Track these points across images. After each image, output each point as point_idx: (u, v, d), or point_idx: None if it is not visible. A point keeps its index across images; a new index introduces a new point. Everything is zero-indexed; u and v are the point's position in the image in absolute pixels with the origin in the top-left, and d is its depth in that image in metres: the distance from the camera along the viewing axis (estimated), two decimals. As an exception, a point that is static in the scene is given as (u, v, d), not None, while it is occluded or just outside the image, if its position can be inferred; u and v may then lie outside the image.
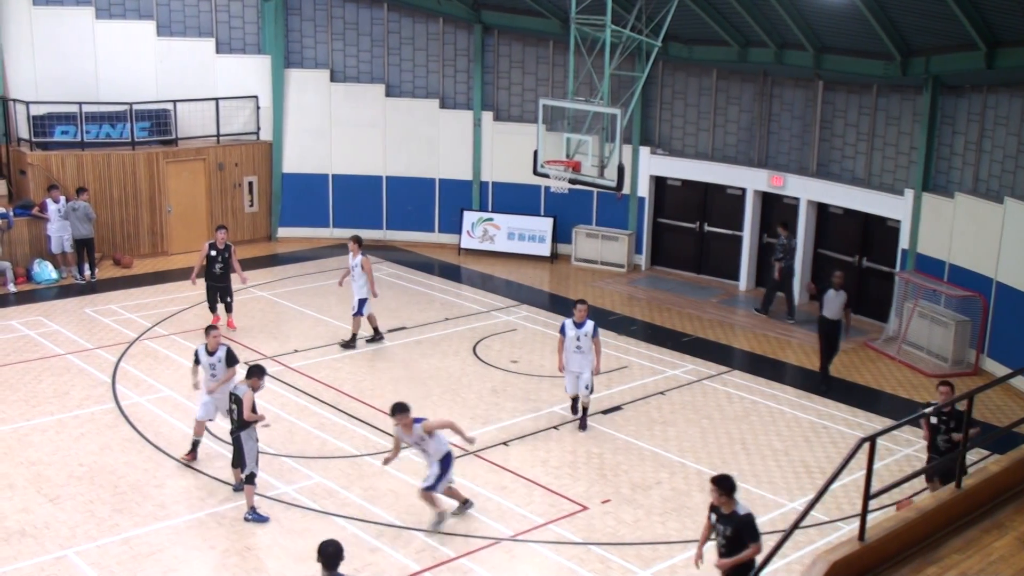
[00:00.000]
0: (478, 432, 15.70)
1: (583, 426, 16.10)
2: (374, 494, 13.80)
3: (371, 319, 19.72)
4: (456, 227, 27.10)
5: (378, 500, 13.63)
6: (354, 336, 19.55)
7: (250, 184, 27.03)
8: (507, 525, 13.08)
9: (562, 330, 15.94)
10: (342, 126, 27.35)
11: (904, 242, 20.94)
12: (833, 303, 17.84)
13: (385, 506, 13.48)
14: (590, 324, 15.83)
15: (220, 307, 20.34)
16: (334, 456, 14.94)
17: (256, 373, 13.42)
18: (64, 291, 22.76)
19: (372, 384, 17.72)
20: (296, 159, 27.47)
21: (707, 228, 25.11)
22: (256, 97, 27.01)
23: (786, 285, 22.29)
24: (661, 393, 17.70)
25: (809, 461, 15.15)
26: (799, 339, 20.85)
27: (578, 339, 15.76)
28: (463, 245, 26.88)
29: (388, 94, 27.40)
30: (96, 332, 19.92)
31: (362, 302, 19.36)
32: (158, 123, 25.74)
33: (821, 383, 18.15)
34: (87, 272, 23.46)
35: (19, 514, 13.09)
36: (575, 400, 16.26)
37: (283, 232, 27.64)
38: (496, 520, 13.19)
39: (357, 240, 19.74)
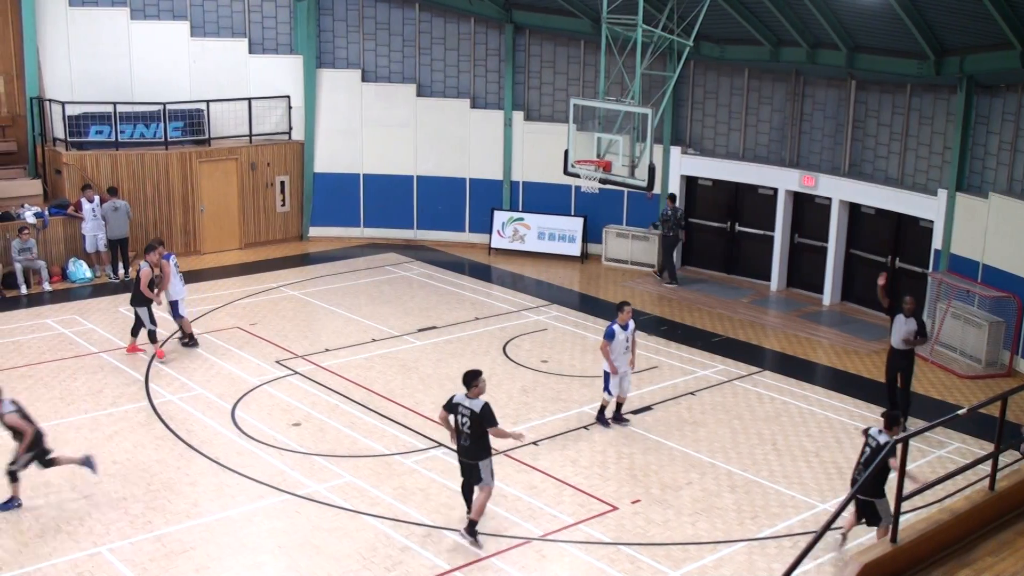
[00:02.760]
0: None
1: (623, 420, 16.22)
2: (404, 493, 13.84)
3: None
4: (486, 227, 27.14)
5: (408, 499, 13.67)
6: (191, 335, 19.30)
7: (282, 183, 27.18)
8: (537, 525, 13.09)
9: (611, 335, 15.77)
10: (373, 126, 27.45)
11: (937, 242, 20.77)
12: (900, 330, 16.27)
13: (415, 505, 13.52)
14: (631, 324, 16.02)
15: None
16: (365, 455, 15.00)
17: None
18: (98, 290, 22.98)
19: (402, 384, 17.78)
20: (327, 159, 27.59)
21: (738, 228, 25.01)
22: (288, 97, 27.16)
23: (671, 252, 24.30)
24: (691, 393, 17.66)
25: (841, 462, 15.07)
26: (830, 339, 20.74)
27: (627, 340, 15.90)
28: (493, 245, 26.91)
29: (419, 94, 27.48)
30: (127, 331, 20.05)
31: (174, 303, 19.09)
32: (191, 123, 25.93)
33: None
34: (121, 271, 23.68)
35: (54, 511, 13.22)
36: (620, 404, 16.31)
37: (314, 231, 27.78)
38: (526, 520, 13.20)
39: (154, 244, 19.14)
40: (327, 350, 19.32)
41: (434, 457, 14.95)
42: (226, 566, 12.10)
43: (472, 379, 12.46)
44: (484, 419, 12.28)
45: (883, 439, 11.92)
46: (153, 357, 18.60)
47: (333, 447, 15.26)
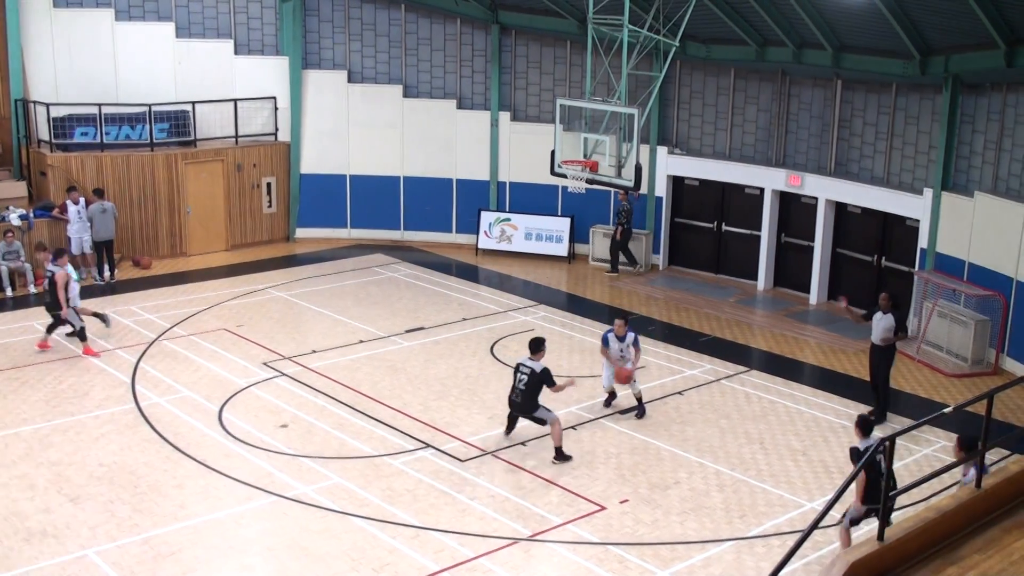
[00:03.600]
0: (496, 433, 15.77)
1: (642, 413, 16.63)
2: (392, 494, 13.82)
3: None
4: (473, 227, 27.13)
5: (396, 500, 13.65)
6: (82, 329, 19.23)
7: (268, 185, 27.12)
8: (525, 525, 13.09)
9: (606, 343, 16.52)
10: (360, 127, 27.42)
11: (923, 241, 20.85)
12: (878, 327, 16.35)
13: (403, 506, 13.50)
14: (631, 335, 16.49)
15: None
16: (352, 456, 14.97)
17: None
18: (84, 292, 22.72)
19: (390, 385, 17.75)
20: (314, 160, 27.55)
21: (725, 228, 25.06)
22: (274, 98, 27.11)
23: (625, 244, 25.17)
24: (679, 393, 17.68)
25: (828, 461, 15.11)
26: (817, 338, 20.80)
27: (622, 350, 16.43)
28: (480, 245, 26.90)
29: (405, 95, 27.45)
30: (115, 333, 20.02)
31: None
32: (177, 124, 25.85)
33: (873, 413, 16.08)
34: (107, 273, 23.61)
35: (40, 514, 13.16)
36: (611, 395, 16.91)
37: (301, 233, 27.73)
38: (514, 520, 13.20)
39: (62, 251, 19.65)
40: (314, 351, 19.29)
41: (422, 458, 14.93)
42: (214, 568, 12.07)
43: (538, 346, 15.07)
44: (544, 379, 14.80)
45: (862, 445, 11.79)
46: (139, 360, 18.54)
47: (321, 448, 15.23)
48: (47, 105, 24.75)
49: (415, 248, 27.13)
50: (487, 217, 26.92)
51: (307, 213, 27.71)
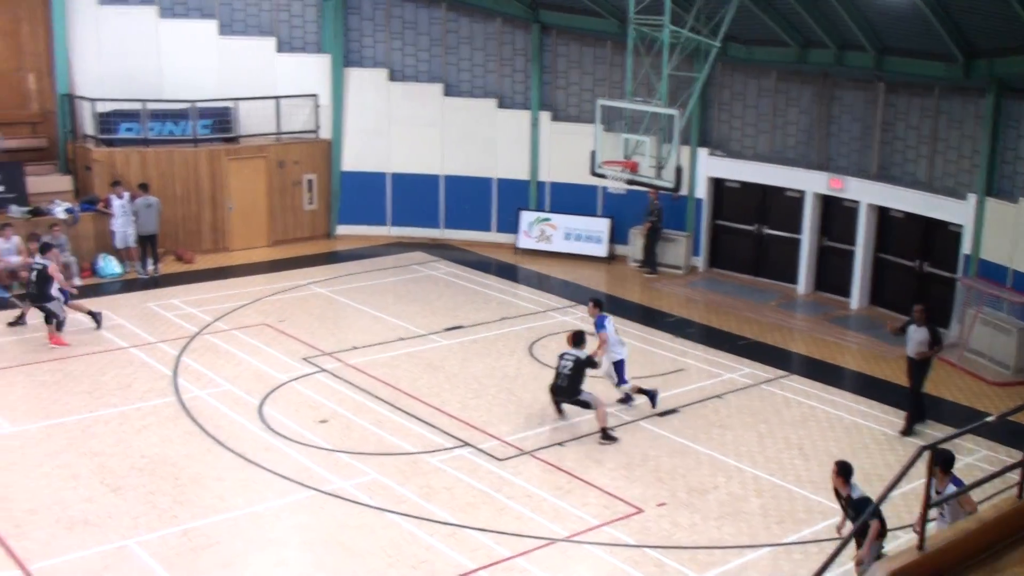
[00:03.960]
0: (533, 432, 15.80)
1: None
2: (430, 492, 13.88)
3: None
4: (513, 226, 27.16)
5: (433, 498, 13.72)
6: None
7: (309, 182, 27.29)
8: (562, 526, 13.11)
9: (602, 325, 16.81)
10: (400, 125, 27.52)
11: (966, 247, 20.64)
12: (913, 340, 16.14)
13: (441, 504, 13.55)
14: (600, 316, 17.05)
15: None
16: (391, 453, 15.05)
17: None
18: (128, 285, 23.16)
19: (428, 382, 17.82)
20: (355, 157, 27.68)
21: (765, 231, 24.94)
22: (316, 96, 27.27)
23: (653, 244, 25.25)
24: (718, 396, 17.63)
25: (868, 468, 15.00)
26: (858, 344, 20.67)
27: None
28: (520, 245, 26.94)
29: (446, 93, 27.52)
30: (158, 326, 20.24)
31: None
32: (220, 121, 26.08)
33: (909, 421, 16.38)
34: (150, 267, 23.86)
35: (83, 503, 13.33)
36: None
37: (341, 230, 27.88)
38: (551, 520, 13.22)
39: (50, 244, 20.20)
40: (354, 348, 19.39)
41: (460, 457, 14.99)
42: (252, 561, 12.18)
43: (581, 339, 16.06)
44: (588, 363, 15.76)
45: (855, 493, 11.16)
46: (181, 354, 18.74)
47: (359, 444, 15.32)
48: (92, 101, 25.04)
49: (454, 247, 27.20)
50: (527, 217, 26.95)
51: (347, 210, 27.86)
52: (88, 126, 25.39)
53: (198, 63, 26.51)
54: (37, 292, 19.16)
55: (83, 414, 16.09)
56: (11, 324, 19.92)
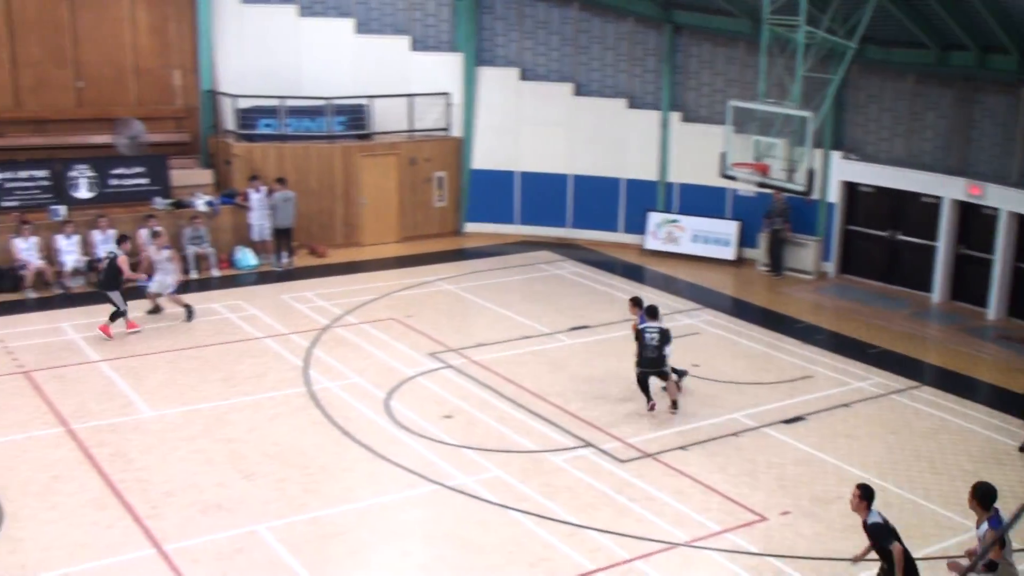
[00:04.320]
0: (656, 435, 15.77)
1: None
2: (551, 491, 13.97)
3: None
4: (640, 227, 27.09)
5: (555, 497, 13.80)
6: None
7: (439, 179, 27.67)
8: (683, 530, 13.06)
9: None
10: (530, 124, 27.68)
11: (1114, 258, 19.84)
12: None
13: (562, 503, 13.63)
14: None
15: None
16: (513, 450, 15.18)
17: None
18: (262, 277, 23.85)
19: (552, 381, 17.91)
20: (484, 155, 27.96)
21: (899, 237, 24.35)
22: (448, 94, 27.62)
23: (777, 246, 25.17)
24: (846, 405, 17.30)
25: (1002, 485, 14.52)
26: (994, 356, 20.04)
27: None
28: (647, 246, 26.84)
29: (576, 93, 27.59)
30: (291, 318, 20.79)
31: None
32: (354, 118, 26.64)
33: None
34: (284, 260, 24.51)
35: (216, 488, 13.80)
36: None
37: (470, 227, 28.19)
38: (672, 525, 13.18)
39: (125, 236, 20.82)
40: (479, 344, 19.61)
41: (582, 457, 15.04)
42: (377, 551, 12.44)
43: (656, 312, 16.97)
44: (670, 334, 16.74)
45: (879, 518, 10.69)
46: (312, 346, 19.21)
47: (482, 440, 15.50)
48: (234, 97, 25.84)
49: (581, 246, 27.24)
50: (654, 218, 26.84)
51: (476, 208, 28.15)
52: (229, 121, 26.20)
53: (335, 61, 27.14)
54: (104, 280, 19.73)
55: (218, 401, 16.64)
56: (149, 312, 20.67)
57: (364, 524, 13.02)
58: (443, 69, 27.73)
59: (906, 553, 10.45)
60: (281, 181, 24.62)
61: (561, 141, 27.59)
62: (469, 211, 28.18)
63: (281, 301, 21.89)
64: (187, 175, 25.44)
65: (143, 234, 22.65)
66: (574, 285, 23.78)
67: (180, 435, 15.37)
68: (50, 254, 22.40)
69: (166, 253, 20.49)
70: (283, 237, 24.54)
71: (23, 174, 23.30)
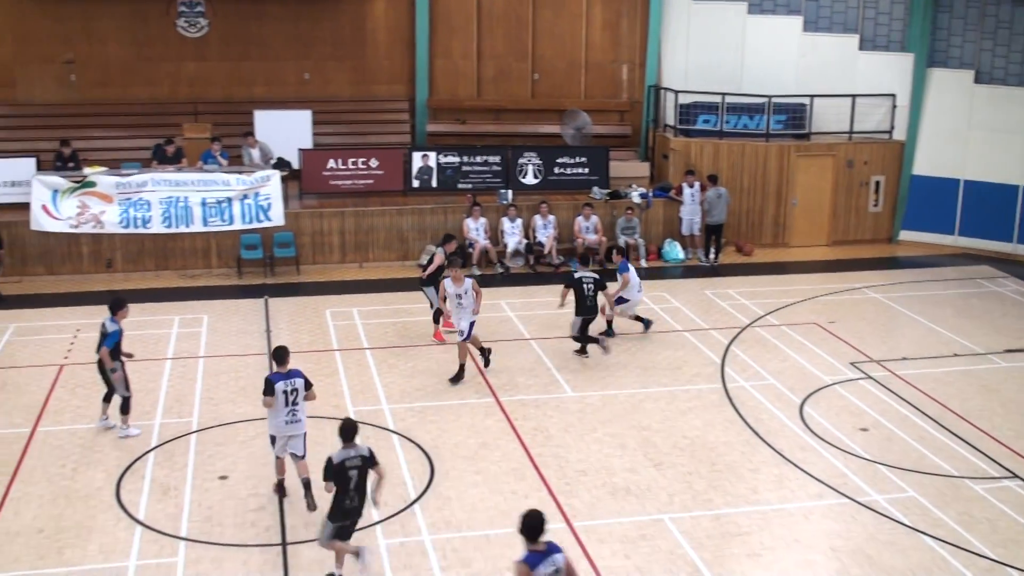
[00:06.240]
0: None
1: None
2: (969, 520, 13.25)
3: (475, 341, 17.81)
4: (1099, 248, 24.80)
5: (973, 527, 13.08)
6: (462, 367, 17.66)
7: (876, 183, 26.78)
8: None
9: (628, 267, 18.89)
10: (981, 130, 26.07)
11: None
12: None
13: (980, 535, 12.90)
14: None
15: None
16: (931, 472, 14.55)
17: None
18: (688, 271, 24.31)
19: (980, 405, 16.91)
20: (927, 161, 26.70)
21: None
22: (893, 96, 26.64)
23: None
24: None
25: None
26: None
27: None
28: (1105, 268, 24.55)
29: (1038, 100, 25.68)
30: (712, 314, 21.07)
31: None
32: (794, 117, 26.39)
33: None
34: (711, 256, 24.81)
35: (626, 473, 14.35)
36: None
37: (905, 235, 27.06)
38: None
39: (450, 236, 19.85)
40: (904, 358, 18.89)
41: (1007, 488, 14.14)
42: (777, 557, 12.42)
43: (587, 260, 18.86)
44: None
45: None
46: (730, 343, 19.38)
47: (899, 459, 14.98)
48: (676, 92, 26.45)
49: (1027, 263, 25.41)
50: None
51: (913, 216, 26.96)
52: (669, 116, 26.86)
53: (778, 59, 27.03)
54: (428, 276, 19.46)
55: (636, 389, 17.24)
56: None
57: (767, 528, 13.04)
58: (890, 70, 26.78)
59: None
60: (712, 178, 24.91)
61: (1016, 150, 25.73)
62: (906, 218, 27.04)
63: (704, 296, 22.22)
64: (625, 167, 26.42)
65: (579, 221, 23.89)
66: (1016, 305, 22.21)
67: (597, 417, 16.11)
68: (495, 235, 24.12)
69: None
70: (713, 233, 24.84)
71: (479, 159, 25.24)
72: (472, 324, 17.25)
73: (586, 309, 18.21)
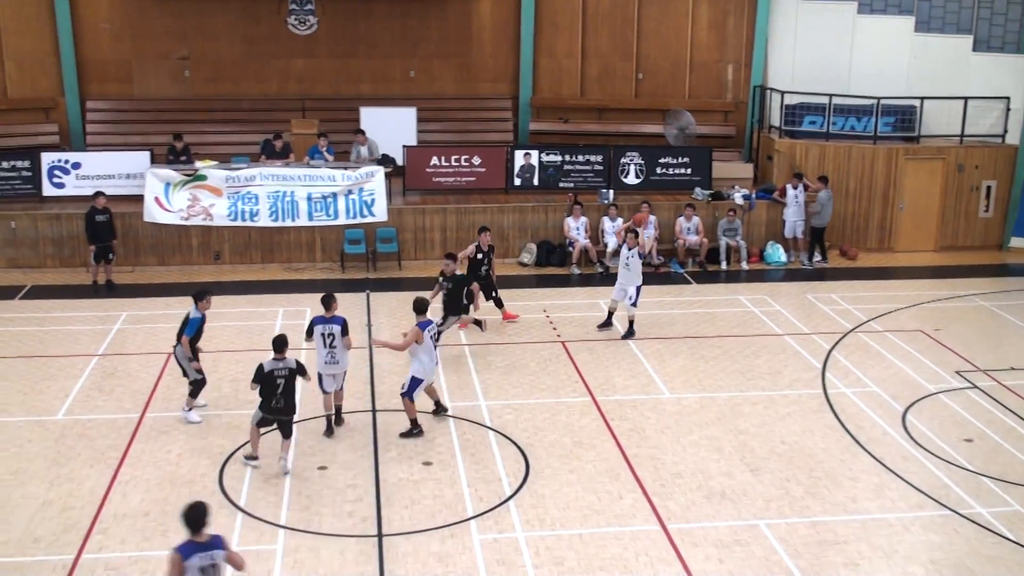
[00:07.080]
0: None
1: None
2: (1078, 538, 12.91)
3: None
4: None
5: (1080, 545, 12.74)
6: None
7: (987, 188, 26.12)
8: None
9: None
10: (1103, 135, 25.30)
11: None
12: None
13: (1087, 553, 12.56)
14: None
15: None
16: (1038, 487, 14.20)
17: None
18: (790, 275, 24.00)
19: (1093, 419, 16.42)
20: (1042, 166, 26.01)
21: None
22: (1007, 99, 25.94)
23: None
24: None
25: None
26: None
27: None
28: None
29: None
30: (814, 318, 20.79)
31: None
32: (902, 119, 25.89)
33: None
34: (817, 258, 24.47)
35: (722, 477, 14.25)
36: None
37: (1016, 242, 26.35)
38: None
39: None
40: (1012, 368, 18.41)
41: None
42: (875, 567, 12.22)
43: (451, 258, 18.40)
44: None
45: None
46: (832, 349, 19.11)
47: (1004, 471, 14.61)
48: (782, 93, 26.14)
49: None
50: None
51: (1025, 222, 26.30)
52: (775, 117, 26.56)
53: (888, 60, 26.55)
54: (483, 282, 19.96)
55: (734, 392, 17.11)
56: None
57: (865, 537, 12.84)
58: (1005, 72, 26.14)
59: None
60: (823, 179, 24.55)
61: None
62: (1018, 225, 26.30)
63: (806, 300, 21.93)
64: (728, 168, 26.19)
65: (680, 222, 23.79)
66: None
67: (694, 420, 16.03)
68: (595, 234, 24.13)
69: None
70: (817, 236, 24.49)
71: (581, 158, 25.26)
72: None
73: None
